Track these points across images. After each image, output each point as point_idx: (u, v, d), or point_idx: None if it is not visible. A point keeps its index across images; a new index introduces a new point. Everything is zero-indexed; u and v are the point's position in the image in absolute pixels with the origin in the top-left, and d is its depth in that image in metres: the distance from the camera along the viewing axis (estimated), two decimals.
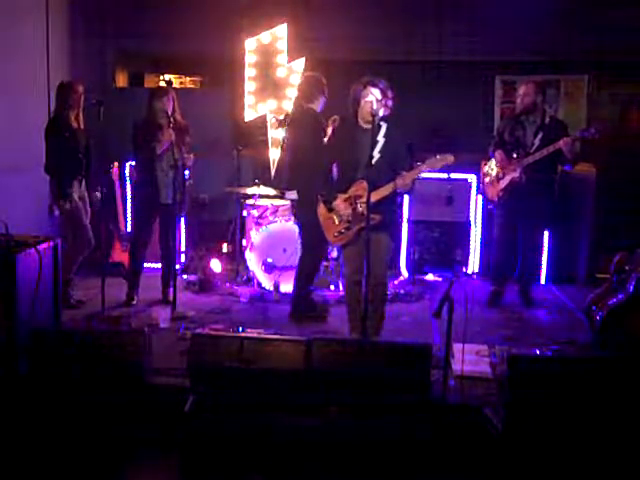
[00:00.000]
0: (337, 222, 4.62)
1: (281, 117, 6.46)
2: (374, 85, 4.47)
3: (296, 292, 5.37)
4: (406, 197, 6.51)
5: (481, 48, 7.38)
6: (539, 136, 5.52)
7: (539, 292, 6.33)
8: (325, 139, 5.56)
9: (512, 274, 5.94)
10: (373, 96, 4.43)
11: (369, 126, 4.28)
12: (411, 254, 6.73)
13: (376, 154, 4.41)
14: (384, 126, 4.51)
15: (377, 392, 3.61)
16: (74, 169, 5.42)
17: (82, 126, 5.47)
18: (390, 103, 4.54)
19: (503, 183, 5.66)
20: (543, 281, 6.60)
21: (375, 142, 4.41)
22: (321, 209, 4.74)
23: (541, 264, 6.47)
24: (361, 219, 4.40)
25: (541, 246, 6.24)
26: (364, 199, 4.28)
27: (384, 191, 4.40)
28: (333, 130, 5.23)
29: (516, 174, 5.56)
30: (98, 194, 5.58)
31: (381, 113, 4.49)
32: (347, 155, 4.56)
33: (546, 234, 6.54)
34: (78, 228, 5.45)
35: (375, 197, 4.32)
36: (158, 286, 5.80)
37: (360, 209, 4.46)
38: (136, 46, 7.70)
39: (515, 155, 5.56)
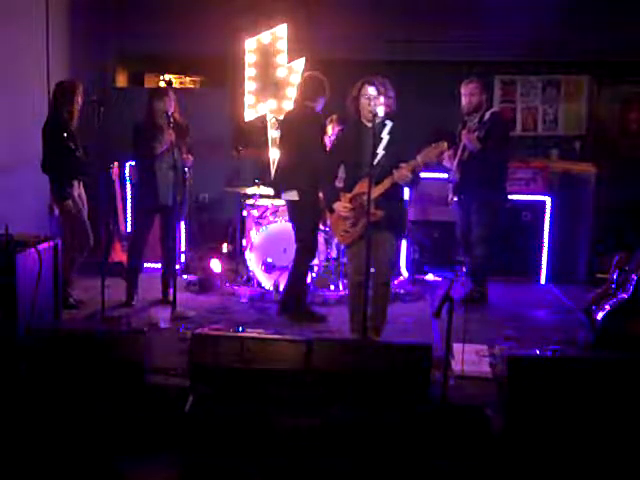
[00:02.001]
0: (343, 221, 4.64)
1: (281, 117, 6.45)
2: (371, 83, 4.50)
3: (287, 291, 5.38)
4: (406, 197, 6.49)
5: (481, 48, 7.38)
6: (475, 134, 5.50)
7: (539, 292, 6.34)
8: (325, 138, 5.58)
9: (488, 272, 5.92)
10: (370, 94, 4.45)
11: (371, 124, 4.30)
12: (411, 254, 6.72)
13: (380, 152, 4.43)
14: (389, 124, 4.53)
15: (377, 392, 3.61)
16: (73, 169, 5.41)
17: (76, 125, 5.45)
18: (391, 102, 4.54)
19: (450, 185, 5.77)
20: (543, 281, 6.61)
21: (378, 140, 4.42)
22: (328, 210, 4.78)
23: (488, 265, 5.83)
24: (365, 216, 4.41)
25: (485, 245, 5.70)
26: (366, 196, 4.29)
27: (383, 185, 4.41)
28: (339, 131, 5.22)
29: (451, 174, 5.65)
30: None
31: (381, 112, 4.49)
32: (352, 154, 4.57)
33: (546, 234, 6.55)
34: (77, 228, 5.44)
35: (376, 193, 4.34)
36: (158, 286, 5.80)
37: (364, 206, 4.46)
38: (136, 46, 7.71)
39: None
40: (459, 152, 5.59)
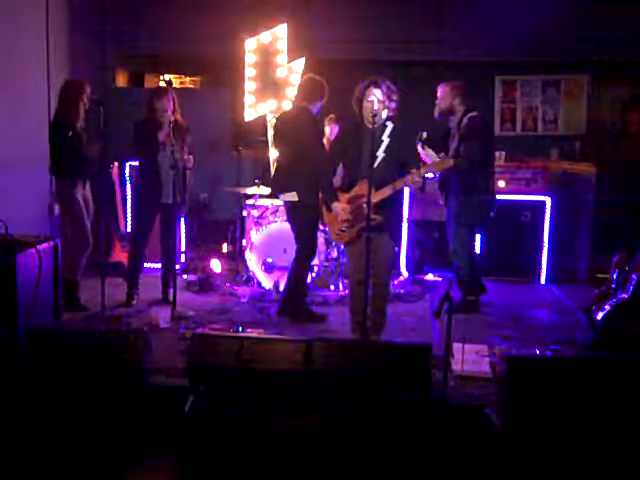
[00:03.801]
0: (339, 220, 4.64)
1: (276, 117, 6.46)
2: (377, 85, 4.48)
3: (287, 291, 5.38)
4: (406, 198, 6.51)
5: (481, 48, 7.38)
6: (455, 139, 5.45)
7: (539, 292, 6.34)
8: (324, 139, 5.59)
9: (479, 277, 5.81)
10: (375, 96, 4.43)
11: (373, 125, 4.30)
12: (411, 254, 6.73)
13: (380, 154, 4.43)
14: (390, 126, 4.52)
15: (377, 392, 3.61)
16: (77, 169, 5.40)
17: (83, 125, 5.45)
18: (393, 105, 4.54)
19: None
20: (543, 281, 6.62)
21: (378, 142, 4.42)
22: (325, 208, 4.78)
23: (469, 274, 5.62)
24: (362, 219, 4.41)
25: (462, 254, 5.57)
26: (366, 199, 4.29)
27: (385, 192, 4.41)
28: (340, 130, 5.22)
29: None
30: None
31: (384, 115, 4.49)
32: (352, 154, 4.57)
33: (546, 234, 6.55)
34: (77, 228, 5.43)
35: (376, 198, 4.34)
36: (158, 286, 5.80)
37: (362, 209, 4.46)
38: (136, 46, 7.71)
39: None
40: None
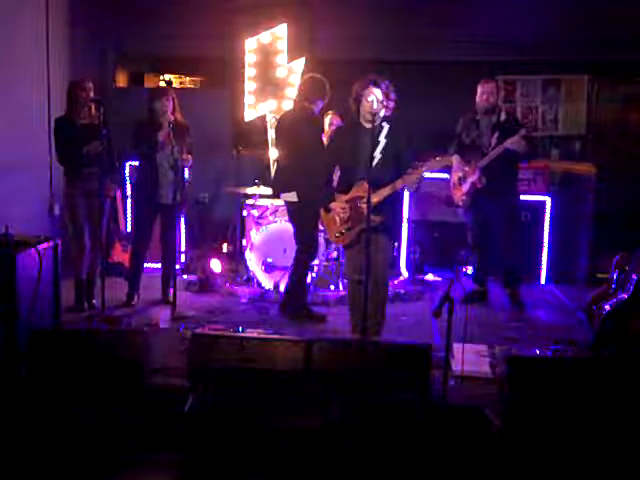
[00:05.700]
0: (338, 223, 4.62)
1: (277, 117, 6.46)
2: (376, 85, 4.45)
3: (287, 291, 5.38)
4: (406, 198, 6.51)
5: (481, 48, 7.37)
6: (495, 135, 5.46)
7: (539, 292, 6.34)
8: (324, 139, 5.58)
9: (490, 273, 5.93)
10: (374, 96, 4.41)
11: (371, 125, 4.27)
12: (411, 254, 6.72)
13: (377, 155, 4.41)
14: (386, 127, 4.50)
15: (377, 392, 3.61)
16: (74, 167, 5.37)
17: (95, 122, 5.36)
18: (392, 105, 4.52)
19: (465, 187, 5.62)
20: (543, 281, 6.61)
21: (376, 143, 4.40)
22: (323, 210, 4.76)
23: (522, 264, 5.98)
24: (362, 220, 4.40)
25: (517, 245, 5.80)
26: (365, 200, 4.28)
27: (384, 192, 4.39)
28: (336, 130, 5.21)
29: (475, 177, 5.51)
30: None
31: (382, 114, 4.48)
32: (349, 155, 4.55)
33: (546, 234, 6.56)
34: (72, 230, 5.36)
35: (376, 198, 4.32)
36: (158, 286, 5.80)
37: (361, 210, 4.45)
38: (136, 46, 7.71)
39: (475, 157, 5.53)
40: (497, 151, 5.42)
